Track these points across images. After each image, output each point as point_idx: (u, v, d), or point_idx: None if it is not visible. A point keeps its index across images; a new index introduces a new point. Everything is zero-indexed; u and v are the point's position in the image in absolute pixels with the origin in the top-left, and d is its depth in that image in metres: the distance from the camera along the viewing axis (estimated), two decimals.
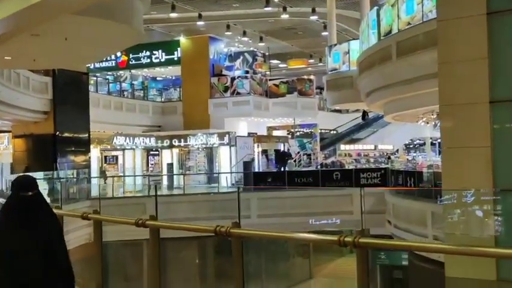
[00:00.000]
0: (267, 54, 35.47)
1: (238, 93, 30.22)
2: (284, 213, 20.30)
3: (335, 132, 39.24)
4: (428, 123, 19.41)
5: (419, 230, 14.98)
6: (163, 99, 32.92)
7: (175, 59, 31.82)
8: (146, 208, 20.57)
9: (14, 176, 19.48)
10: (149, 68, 33.85)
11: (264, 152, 29.83)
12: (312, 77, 33.50)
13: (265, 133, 33.12)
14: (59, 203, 17.88)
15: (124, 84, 33.54)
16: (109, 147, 26.81)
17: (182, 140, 28.55)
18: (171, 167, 28.33)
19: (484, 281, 4.88)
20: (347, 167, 26.80)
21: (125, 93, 32.23)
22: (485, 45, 5.17)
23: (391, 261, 21.79)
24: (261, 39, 33.14)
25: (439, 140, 18.28)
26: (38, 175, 19.90)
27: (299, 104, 31.52)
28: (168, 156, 29.08)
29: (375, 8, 17.51)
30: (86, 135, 22.49)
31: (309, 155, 31.20)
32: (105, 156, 28.58)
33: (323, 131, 37.55)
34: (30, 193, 3.54)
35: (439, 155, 23.41)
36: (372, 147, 33.81)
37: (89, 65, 31.99)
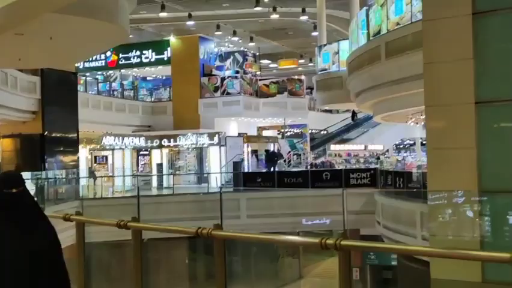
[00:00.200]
0: (257, 54, 35.43)
1: (228, 93, 30.17)
2: (274, 213, 20.27)
3: (325, 132, 39.27)
4: (417, 123, 19.45)
5: (408, 230, 15.01)
6: (153, 99, 32.79)
7: (165, 58, 31.70)
8: (135, 208, 20.55)
9: None
10: (139, 68, 33.71)
11: (254, 152, 29.78)
12: (302, 77, 33.49)
13: (255, 133, 33.08)
14: (46, 204, 17.82)
15: (114, 84, 33.38)
16: (98, 147, 26.66)
17: (172, 140, 28.45)
18: (161, 167, 28.23)
19: (470, 282, 4.86)
20: (337, 167, 26.79)
21: (115, 93, 32.07)
22: (470, 46, 5.15)
23: (380, 261, 21.83)
24: (251, 39, 33.10)
25: None
26: (26, 175, 19.77)
27: (289, 104, 31.51)
28: (158, 157, 28.97)
29: (365, 8, 17.52)
30: (75, 135, 22.31)
31: (299, 155, 31.19)
32: (95, 156, 28.44)
33: (313, 131, 37.57)
34: (14, 190, 3.18)
35: None
36: (363, 147, 33.87)
37: (78, 64, 31.85)
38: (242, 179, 22.84)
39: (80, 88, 27.73)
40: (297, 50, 37.41)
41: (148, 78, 36.93)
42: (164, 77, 34.51)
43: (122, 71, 34.40)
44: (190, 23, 27.64)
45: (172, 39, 31.18)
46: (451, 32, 5.30)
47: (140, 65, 32.84)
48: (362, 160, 30.78)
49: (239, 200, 21.13)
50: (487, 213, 5.02)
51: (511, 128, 5.21)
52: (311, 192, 21.13)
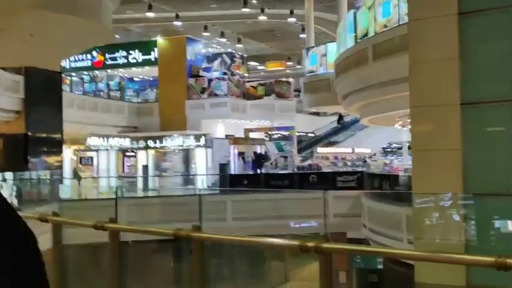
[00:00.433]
0: (245, 56, 35.32)
1: (216, 95, 30.02)
2: (260, 216, 20.13)
3: (313, 134, 39.23)
4: (404, 126, 19.43)
5: (394, 233, 14.94)
6: (139, 100, 32.56)
7: (152, 59, 31.49)
8: (119, 210, 20.33)
9: None
10: (125, 68, 33.45)
11: (241, 154, 29.64)
12: (290, 79, 33.42)
13: (242, 135, 32.94)
14: (28, 205, 17.55)
15: (100, 85, 33.11)
16: (82, 147, 26.39)
17: (158, 141, 28.23)
18: (146, 169, 28.00)
19: (454, 286, 4.77)
20: (324, 170, 26.75)
21: (101, 93, 31.81)
22: (456, 46, 5.08)
23: (366, 264, 21.77)
24: (239, 40, 32.99)
25: None
26: (8, 175, 19.50)
27: (277, 106, 31.42)
28: (144, 158, 28.74)
29: (352, 10, 17.48)
30: (59, 135, 22.05)
31: (286, 157, 31.10)
32: (80, 157, 28.15)
33: (301, 133, 37.52)
34: None
35: None
36: (350, 150, 33.85)
37: (64, 64, 31.58)
38: (228, 181, 22.70)
39: (66, 88, 27.48)
40: (285, 52, 37.36)
41: (135, 79, 36.68)
42: (151, 78, 34.28)
43: (108, 71, 34.12)
44: (178, 23, 27.47)
45: (159, 40, 30.99)
46: (436, 32, 5.23)
47: (127, 65, 32.60)
48: (349, 163, 30.78)
49: (225, 203, 20.97)
50: (473, 217, 4.94)
51: (497, 129, 5.14)
52: (298, 195, 21.04)
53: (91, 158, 27.99)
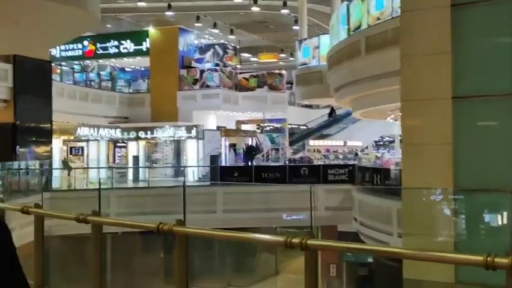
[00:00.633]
0: (238, 47, 35.12)
1: (208, 86, 29.84)
2: (250, 208, 20.06)
3: (305, 127, 39.15)
4: (396, 120, 19.36)
5: (385, 227, 14.89)
6: (131, 91, 32.34)
7: (144, 49, 31.23)
8: (110, 201, 20.17)
9: None
10: (117, 58, 33.17)
11: (232, 146, 29.52)
12: (283, 71, 33.28)
13: (234, 127, 32.82)
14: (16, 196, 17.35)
15: (91, 75, 32.83)
16: (72, 137, 26.16)
17: (149, 132, 28.06)
18: (137, 160, 27.83)
19: (442, 283, 4.69)
20: (315, 163, 26.66)
21: (92, 83, 31.55)
22: (448, 39, 4.98)
23: (357, 258, 21.79)
24: (231, 31, 32.78)
25: None
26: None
27: (269, 98, 31.29)
28: (134, 149, 28.55)
29: (346, 2, 17.35)
30: (48, 125, 21.80)
31: (277, 149, 31.01)
32: (71, 148, 27.92)
33: (293, 126, 37.42)
34: None
35: None
36: (342, 143, 33.77)
37: (54, 53, 31.27)
38: (219, 173, 22.57)
39: (57, 78, 27.20)
40: (277, 44, 37.19)
41: (126, 69, 36.42)
42: (143, 68, 34.05)
43: (100, 61, 33.83)
44: (170, 13, 27.22)
45: (151, 30, 30.72)
46: (429, 24, 5.12)
47: (119, 55, 32.32)
48: (341, 156, 30.71)
49: (215, 194, 20.86)
50: (462, 212, 4.86)
51: (490, 124, 5.05)
52: (288, 188, 20.96)
53: (81, 148, 27.78)
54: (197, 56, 32.06)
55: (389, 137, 43.67)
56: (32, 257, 5.61)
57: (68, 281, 17.62)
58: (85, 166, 26.97)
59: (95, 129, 26.92)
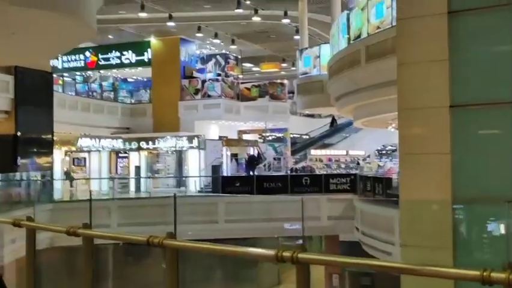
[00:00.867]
0: (239, 57, 35.13)
1: (209, 96, 29.83)
2: (252, 218, 19.96)
3: (307, 136, 39.08)
4: (397, 129, 19.25)
5: (386, 237, 14.78)
6: (133, 101, 32.36)
7: (146, 60, 31.28)
8: (111, 211, 20.09)
9: None
10: (119, 69, 33.22)
11: (234, 156, 29.45)
12: (285, 81, 33.27)
13: (236, 137, 32.76)
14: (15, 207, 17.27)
15: (93, 85, 32.88)
16: (73, 148, 26.14)
17: (150, 142, 28.02)
18: (139, 170, 27.78)
19: None
20: (317, 172, 26.58)
21: (94, 94, 31.58)
22: (445, 46, 4.89)
23: (360, 268, 21.60)
24: (233, 41, 32.80)
25: None
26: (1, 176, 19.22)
27: (271, 108, 31.24)
28: (136, 159, 28.51)
29: (346, 12, 17.32)
30: (50, 136, 21.82)
31: (279, 159, 30.93)
32: (73, 158, 27.90)
33: (295, 135, 37.35)
34: None
35: None
36: (344, 152, 33.69)
37: (56, 64, 31.35)
38: (221, 183, 22.49)
39: (58, 89, 27.23)
40: (279, 54, 37.19)
41: (128, 79, 36.47)
42: (145, 79, 34.08)
43: (102, 72, 33.89)
44: (171, 24, 27.25)
45: (153, 41, 30.77)
46: (425, 32, 5.04)
47: (120, 66, 32.36)
48: (343, 165, 30.62)
49: (217, 204, 20.76)
50: (461, 223, 4.75)
51: (489, 133, 4.95)
52: (290, 198, 20.88)
53: (84, 159, 27.76)
54: (199, 66, 32.08)
55: (391, 146, 43.55)
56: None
57: None
58: (87, 177, 26.94)
59: (97, 139, 26.91)
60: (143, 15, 25.51)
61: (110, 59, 32.05)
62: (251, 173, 25.13)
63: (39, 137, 21.42)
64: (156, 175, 28.70)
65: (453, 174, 4.75)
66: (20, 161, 20.64)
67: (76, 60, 32.34)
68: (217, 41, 32.40)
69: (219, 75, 31.73)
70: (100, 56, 32.13)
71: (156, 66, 30.59)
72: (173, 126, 28.99)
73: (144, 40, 31.16)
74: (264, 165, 28.82)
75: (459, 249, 4.64)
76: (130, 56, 31.63)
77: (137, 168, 28.00)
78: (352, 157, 32.88)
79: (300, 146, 36.11)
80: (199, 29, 29.17)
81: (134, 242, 4.13)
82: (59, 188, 23.14)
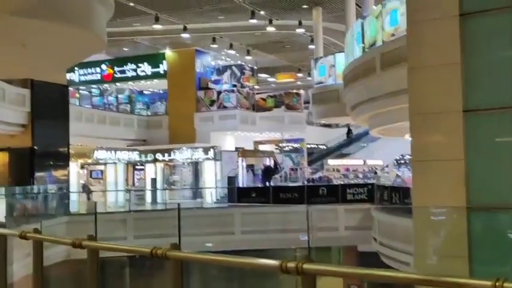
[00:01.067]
0: (255, 68, 35.13)
1: (225, 107, 29.81)
2: (268, 229, 19.82)
3: (324, 147, 38.83)
4: None
5: (404, 247, 14.50)
6: (149, 113, 32.47)
7: (161, 72, 31.42)
8: (127, 224, 20.07)
9: None
10: (134, 82, 33.39)
11: (250, 166, 29.34)
12: (301, 91, 33.15)
13: (252, 148, 32.67)
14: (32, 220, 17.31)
15: (110, 98, 33.08)
16: (89, 161, 26.25)
17: (166, 154, 28.03)
18: (155, 182, 27.79)
19: None
20: (335, 183, 26.34)
21: (111, 106, 31.76)
22: (458, 49, 4.75)
23: (376, 278, 21.28)
24: (248, 52, 32.80)
25: None
26: (17, 190, 19.34)
27: (287, 118, 31.14)
28: (152, 171, 28.54)
29: (360, 20, 17.20)
30: (66, 149, 21.93)
31: (296, 169, 30.74)
32: (90, 171, 28.01)
33: (312, 145, 37.14)
34: None
35: None
36: (362, 162, 33.38)
37: (73, 78, 31.62)
38: (236, 194, 22.37)
39: (76, 102, 27.44)
40: (295, 64, 37.10)
41: (145, 92, 36.65)
42: (161, 91, 34.20)
43: (118, 84, 34.10)
44: (186, 35, 27.34)
45: (168, 53, 30.90)
46: (436, 35, 4.90)
47: (136, 78, 32.53)
48: (360, 175, 30.32)
49: (233, 215, 20.66)
50: (476, 232, 4.57)
51: (504, 138, 4.78)
52: (304, 208, 20.70)
53: (101, 171, 27.86)
54: (214, 77, 32.12)
55: (410, 155, 43.04)
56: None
57: None
58: (105, 189, 27.02)
59: (113, 152, 26.99)
60: (157, 27, 25.64)
61: (126, 72, 32.24)
62: (267, 183, 24.96)
63: (56, 150, 21.54)
64: (172, 187, 28.69)
65: (467, 181, 4.58)
66: (37, 174, 20.76)
67: (92, 73, 32.59)
68: (232, 51, 32.43)
69: (234, 86, 31.73)
70: (116, 69, 32.34)
71: (171, 78, 30.70)
72: (189, 137, 29.00)
73: (159, 52, 31.31)
74: (280, 176, 28.65)
75: (474, 258, 4.47)
76: (145, 68, 31.80)
77: (154, 180, 28.01)
78: (370, 167, 32.55)
79: (317, 156, 35.90)
80: (213, 40, 29.23)
81: (138, 254, 4.04)
82: (76, 201, 23.19)
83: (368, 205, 19.94)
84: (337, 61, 21.83)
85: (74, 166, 24.52)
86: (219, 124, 29.41)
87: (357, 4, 22.35)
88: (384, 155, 33.93)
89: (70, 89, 26.44)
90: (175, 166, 29.01)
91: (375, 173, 27.67)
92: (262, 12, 25.23)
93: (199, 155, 27.59)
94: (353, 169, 31.67)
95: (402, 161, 47.29)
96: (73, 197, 23.11)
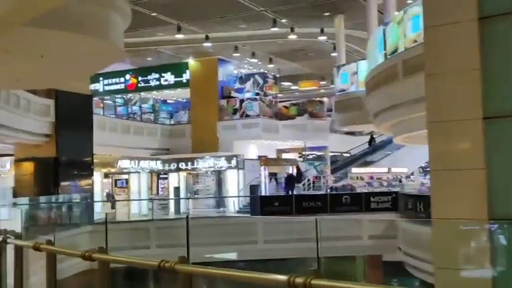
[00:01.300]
0: (278, 76, 35.08)
1: (247, 116, 29.77)
2: (291, 238, 19.65)
3: (348, 154, 38.51)
4: None
5: (429, 257, 14.23)
6: (172, 122, 32.62)
7: (184, 81, 31.57)
8: (150, 233, 20.09)
9: (17, 200, 19.17)
10: (158, 91, 33.61)
11: (273, 175, 29.22)
12: (324, 99, 32.97)
13: (275, 156, 32.55)
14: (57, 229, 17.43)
15: (134, 107, 33.36)
16: (113, 170, 26.43)
17: (189, 163, 28.07)
18: (178, 191, 27.85)
19: None
20: (358, 191, 26.06)
21: (135, 116, 32.01)
22: (476, 54, 4.57)
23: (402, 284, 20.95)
24: (270, 60, 32.77)
25: None
26: (41, 199, 19.56)
27: (310, 126, 30.96)
28: (175, 180, 28.61)
29: (382, 27, 17.01)
30: (90, 158, 22.13)
31: (319, 178, 30.51)
32: (115, 180, 28.22)
33: (336, 153, 36.85)
34: None
35: None
36: (386, 170, 32.96)
37: (98, 88, 31.97)
38: (259, 203, 22.26)
39: (100, 111, 27.70)
40: (317, 72, 36.93)
41: (168, 101, 36.89)
42: (184, 100, 34.38)
43: (142, 94, 34.37)
44: (208, 44, 27.43)
45: (191, 62, 31.05)
46: (455, 40, 4.74)
47: (160, 87, 32.74)
48: (385, 183, 29.94)
49: (256, 225, 20.55)
50: (499, 245, 4.38)
51: None
52: (330, 217, 20.52)
53: (126, 180, 28.03)
54: (237, 85, 32.15)
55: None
56: None
57: None
58: (129, 198, 27.17)
59: (136, 161, 27.14)
60: (180, 36, 25.77)
61: (150, 81, 32.48)
62: (290, 192, 24.80)
63: (80, 159, 21.73)
64: (196, 196, 28.72)
65: (489, 192, 4.40)
66: (61, 183, 20.96)
67: (116, 83, 32.92)
68: (254, 60, 32.43)
69: (257, 94, 31.71)
70: (140, 78, 32.60)
71: (194, 87, 30.81)
72: (212, 146, 29.02)
73: (182, 61, 31.48)
74: (303, 184, 28.45)
75: (499, 274, 4.28)
76: (168, 77, 31.98)
77: (177, 189, 28.07)
78: (394, 175, 32.13)
79: (341, 164, 35.59)
80: (236, 49, 29.26)
81: (147, 267, 3.98)
82: (99, 210, 23.35)
83: (392, 214, 19.69)
84: (359, 68, 21.62)
85: (98, 175, 24.71)
86: (242, 132, 29.37)
87: (379, 10, 22.14)
88: (409, 163, 33.49)
89: (95, 98, 26.73)
90: (198, 175, 29.05)
91: (400, 181, 27.29)
92: (283, 20, 25.18)
93: (222, 163, 27.59)
94: (377, 177, 31.29)
95: (428, 169, 46.74)
96: (97, 206, 23.27)
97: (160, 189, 30.11)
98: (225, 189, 27.92)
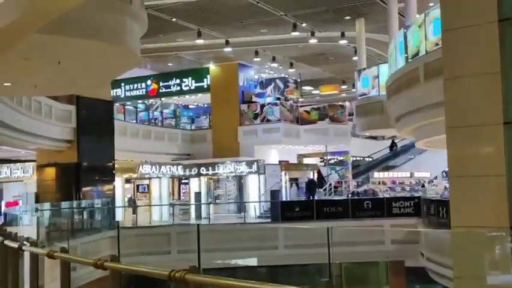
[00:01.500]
0: (299, 80, 34.94)
1: (268, 120, 29.69)
2: (312, 243, 19.45)
3: (370, 159, 38.17)
4: None
5: (451, 263, 13.96)
6: (193, 127, 32.70)
7: (205, 86, 31.62)
8: (171, 238, 20.10)
9: (39, 205, 19.38)
10: (179, 96, 33.73)
11: (294, 180, 29.06)
12: (346, 103, 32.74)
13: (296, 161, 32.40)
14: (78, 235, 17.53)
15: (155, 113, 33.54)
16: (134, 175, 26.54)
17: (210, 168, 28.07)
18: (199, 196, 27.85)
19: None
20: (380, 196, 25.78)
21: (156, 121, 32.17)
22: (497, 58, 4.44)
23: None
24: (291, 65, 32.66)
25: None
26: (63, 205, 19.70)
27: (331, 130, 30.76)
28: (196, 185, 28.62)
29: (403, 30, 16.81)
30: (111, 163, 22.26)
31: (340, 182, 30.28)
32: (137, 185, 28.34)
33: (357, 158, 36.55)
34: None
35: None
36: (408, 174, 32.60)
37: (119, 93, 32.20)
38: (280, 209, 22.13)
39: (121, 117, 27.89)
40: (338, 76, 36.72)
41: (190, 106, 37.00)
42: (205, 105, 34.44)
43: (163, 99, 34.53)
44: (228, 49, 27.45)
45: (212, 67, 31.10)
46: (474, 43, 4.61)
47: (181, 93, 32.86)
48: (407, 188, 29.60)
49: (277, 230, 20.42)
50: None
51: None
52: (352, 223, 20.32)
53: (147, 185, 28.14)
54: (258, 90, 32.11)
55: None
56: None
57: None
58: (150, 204, 27.25)
59: (157, 166, 27.23)
60: (200, 42, 25.82)
61: (171, 87, 32.61)
62: (311, 197, 24.63)
63: (101, 164, 21.88)
64: (217, 201, 28.69)
65: (510, 198, 4.25)
66: (83, 188, 21.12)
67: (137, 88, 33.12)
68: (275, 64, 32.37)
69: (278, 99, 31.63)
70: (161, 84, 32.76)
71: (215, 92, 30.84)
72: (233, 151, 28.99)
73: (203, 67, 31.55)
74: (325, 189, 28.25)
75: None
76: (189, 82, 32.07)
77: (198, 194, 28.08)
78: (417, 179, 31.75)
79: (363, 169, 35.28)
80: (256, 54, 29.22)
81: (157, 277, 3.91)
82: (121, 215, 23.47)
83: (414, 219, 19.42)
84: (380, 72, 21.40)
85: (119, 181, 24.84)
86: (263, 137, 29.30)
87: (400, 14, 21.91)
88: (432, 167, 33.05)
89: (116, 104, 26.91)
90: (219, 180, 29.02)
91: (423, 185, 26.93)
92: (304, 25, 25.08)
93: (242, 168, 27.52)
94: (399, 182, 30.97)
95: None
96: (118, 211, 23.39)
97: (181, 194, 30.18)
98: (246, 195, 27.82)
